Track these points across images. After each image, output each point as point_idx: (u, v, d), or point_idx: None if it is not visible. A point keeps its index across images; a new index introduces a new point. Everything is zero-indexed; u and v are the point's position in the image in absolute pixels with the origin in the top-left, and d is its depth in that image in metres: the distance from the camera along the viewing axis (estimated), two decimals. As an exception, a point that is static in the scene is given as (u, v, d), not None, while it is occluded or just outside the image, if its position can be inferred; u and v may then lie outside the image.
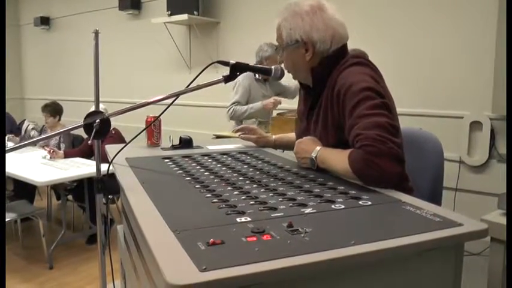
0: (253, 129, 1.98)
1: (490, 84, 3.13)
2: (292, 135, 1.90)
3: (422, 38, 3.51)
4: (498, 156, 3.21)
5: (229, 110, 3.51)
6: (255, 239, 0.85)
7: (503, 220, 1.15)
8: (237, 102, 3.49)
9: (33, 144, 4.42)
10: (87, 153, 4.09)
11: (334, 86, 1.46)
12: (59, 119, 4.56)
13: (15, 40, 7.61)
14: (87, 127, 1.44)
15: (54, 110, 4.52)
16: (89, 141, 1.40)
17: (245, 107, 3.46)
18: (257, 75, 3.54)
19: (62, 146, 4.41)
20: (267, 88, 3.63)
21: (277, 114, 3.63)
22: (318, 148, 1.42)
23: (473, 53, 3.28)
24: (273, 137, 2.00)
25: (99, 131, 1.42)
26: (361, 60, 1.51)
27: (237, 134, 2.05)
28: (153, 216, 1.00)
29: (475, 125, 3.31)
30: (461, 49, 3.35)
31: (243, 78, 3.49)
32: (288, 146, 1.90)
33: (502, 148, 3.20)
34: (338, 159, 1.32)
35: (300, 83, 1.71)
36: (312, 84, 1.60)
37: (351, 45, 1.59)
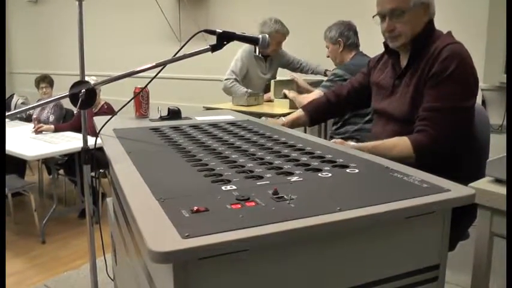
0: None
1: (482, 55, 3.10)
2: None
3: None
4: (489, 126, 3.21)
5: (229, 79, 3.38)
6: (239, 206, 0.84)
7: (490, 187, 1.15)
8: (235, 75, 3.39)
9: (26, 114, 4.45)
10: (78, 128, 4.04)
11: (438, 56, 1.52)
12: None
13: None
14: (73, 97, 1.41)
15: (51, 80, 4.55)
16: (75, 111, 1.39)
17: (242, 90, 3.32)
18: (257, 53, 3.44)
19: (51, 117, 4.34)
20: (266, 67, 3.54)
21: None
22: None
23: (465, 24, 3.23)
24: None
25: (85, 101, 1.40)
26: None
27: None
28: (138, 185, 0.99)
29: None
30: (453, 20, 3.29)
31: (242, 53, 3.42)
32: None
33: (493, 118, 3.20)
34: None
35: (388, 52, 1.73)
36: (412, 50, 1.61)
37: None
